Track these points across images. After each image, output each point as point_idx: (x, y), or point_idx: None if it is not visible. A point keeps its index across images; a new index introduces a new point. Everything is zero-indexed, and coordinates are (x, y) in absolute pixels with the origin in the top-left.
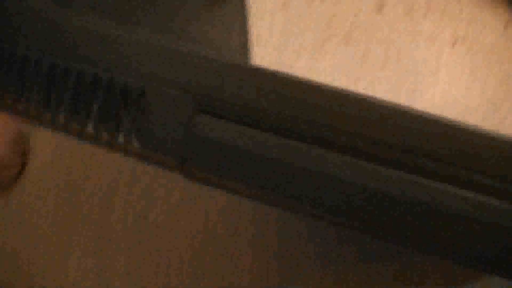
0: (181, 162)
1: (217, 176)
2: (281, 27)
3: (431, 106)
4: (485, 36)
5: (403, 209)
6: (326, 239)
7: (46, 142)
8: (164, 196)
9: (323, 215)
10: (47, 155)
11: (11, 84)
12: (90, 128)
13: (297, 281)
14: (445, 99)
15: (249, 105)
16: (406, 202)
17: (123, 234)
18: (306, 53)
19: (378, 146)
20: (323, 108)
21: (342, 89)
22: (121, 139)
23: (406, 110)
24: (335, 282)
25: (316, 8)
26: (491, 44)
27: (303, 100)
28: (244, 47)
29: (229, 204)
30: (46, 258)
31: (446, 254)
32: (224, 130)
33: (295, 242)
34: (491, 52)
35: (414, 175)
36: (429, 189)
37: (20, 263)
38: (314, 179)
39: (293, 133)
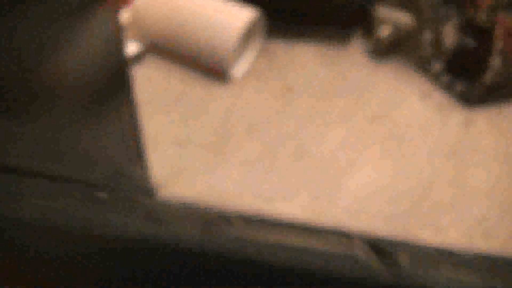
0: None
1: None
2: (179, 123)
3: (358, 191)
4: (405, 111)
5: None
6: None
7: None
8: None
9: None
10: None
11: None
12: None
13: None
14: (372, 182)
15: None
16: None
17: None
18: (208, 153)
19: None
20: None
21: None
22: None
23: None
24: None
25: (213, 97)
26: (413, 117)
27: None
28: (139, 153)
29: None
30: None
31: None
32: None
33: None
34: (414, 125)
35: None
36: None
37: None
38: None
39: None
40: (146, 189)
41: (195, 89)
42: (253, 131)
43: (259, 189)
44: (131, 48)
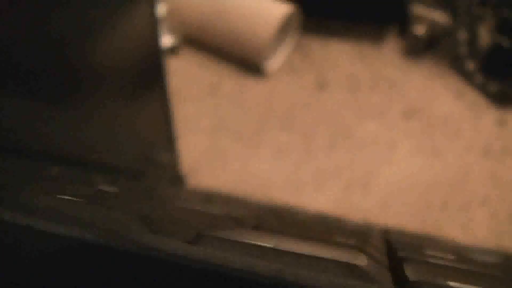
0: None
1: None
2: (212, 112)
3: (389, 185)
4: (439, 108)
5: None
6: None
7: None
8: None
9: None
10: None
11: None
12: None
13: None
14: (404, 176)
15: None
16: None
17: None
18: (239, 142)
19: None
20: None
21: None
22: None
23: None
24: None
25: (247, 90)
26: (447, 114)
27: None
28: (170, 140)
29: None
30: None
31: None
32: None
33: None
34: (447, 123)
35: None
36: None
37: None
38: None
39: None
40: (175, 176)
41: (229, 81)
42: (286, 123)
43: (290, 180)
44: (167, 39)
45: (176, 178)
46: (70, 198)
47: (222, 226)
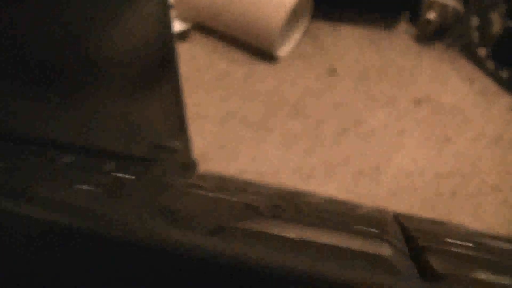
0: None
1: None
2: (222, 99)
3: (399, 172)
4: (450, 95)
5: None
6: None
7: None
8: None
9: None
10: None
11: None
12: None
13: None
14: (415, 163)
15: None
16: None
17: None
18: (250, 129)
19: None
20: None
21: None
22: None
23: None
24: None
25: (258, 77)
26: (458, 101)
27: None
28: (181, 127)
29: None
30: None
31: None
32: None
33: None
34: (458, 110)
35: None
36: None
37: None
38: None
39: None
40: (187, 163)
41: (239, 67)
42: (296, 111)
43: (300, 167)
44: (177, 25)
45: (188, 165)
46: (87, 188)
47: (241, 216)
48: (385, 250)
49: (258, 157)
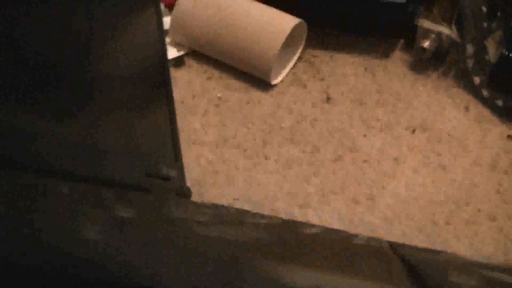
0: None
1: None
2: (217, 125)
3: (394, 200)
4: (445, 122)
5: None
6: None
7: None
8: None
9: None
10: None
11: None
12: None
13: None
14: (410, 191)
15: None
16: None
17: None
18: (245, 156)
19: None
20: None
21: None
22: None
23: None
24: None
25: (253, 103)
26: (453, 129)
27: None
28: (175, 154)
29: None
30: None
31: None
32: None
33: None
34: (454, 137)
35: None
36: None
37: None
38: None
39: None
40: (181, 190)
41: (235, 94)
42: (292, 137)
43: (295, 194)
44: (173, 52)
45: (182, 192)
46: (94, 237)
47: (249, 260)
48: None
49: (254, 183)
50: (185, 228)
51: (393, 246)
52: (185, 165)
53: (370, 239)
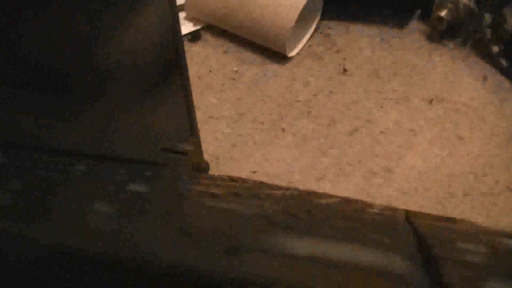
0: None
1: None
2: (234, 100)
3: (411, 172)
4: (462, 93)
5: None
6: None
7: None
8: None
9: None
10: None
11: None
12: None
13: None
14: (426, 163)
15: None
16: None
17: None
18: (262, 130)
19: None
20: None
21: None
22: None
23: None
24: None
25: (269, 77)
26: (470, 99)
27: None
28: (192, 129)
29: None
30: None
31: None
32: None
33: None
34: (471, 108)
35: None
36: None
37: None
38: None
39: None
40: (199, 165)
41: (251, 68)
42: (308, 110)
43: (312, 167)
44: (188, 27)
45: (200, 166)
46: (103, 209)
47: (255, 232)
48: (398, 265)
49: (270, 157)
50: (194, 201)
51: (409, 215)
52: (202, 139)
53: (385, 208)
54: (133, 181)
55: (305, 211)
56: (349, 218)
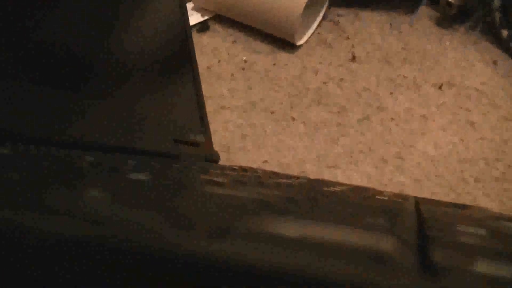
0: None
1: None
2: (244, 89)
3: (422, 158)
4: (473, 78)
5: None
6: None
7: None
8: None
9: None
10: None
11: None
12: None
13: None
14: (438, 149)
15: None
16: None
17: None
18: (273, 119)
19: None
20: None
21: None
22: None
23: None
24: None
25: (280, 65)
26: (482, 84)
27: None
28: (202, 120)
29: None
30: None
31: None
32: None
33: None
34: (482, 93)
35: None
36: None
37: None
38: None
39: None
40: (210, 156)
41: (261, 57)
42: (319, 98)
43: (324, 155)
44: (196, 16)
45: (210, 158)
46: (96, 194)
47: (246, 214)
48: (386, 244)
49: (282, 147)
50: (194, 187)
51: (418, 202)
52: (213, 130)
53: (396, 195)
54: (137, 170)
55: (309, 198)
56: (353, 205)
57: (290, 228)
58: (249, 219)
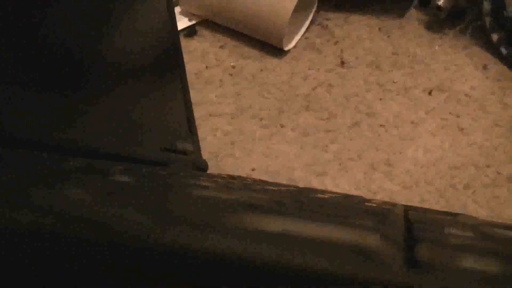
0: None
1: None
2: (233, 95)
3: (412, 164)
4: (463, 83)
5: None
6: None
7: None
8: None
9: None
10: None
11: None
12: None
13: None
14: (428, 155)
15: None
16: None
17: None
18: (262, 125)
19: None
20: None
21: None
22: None
23: None
24: None
25: (268, 71)
26: (472, 89)
27: None
28: (190, 126)
29: None
30: None
31: None
32: None
33: None
34: (472, 98)
35: None
36: None
37: None
38: None
39: None
40: (198, 164)
41: (249, 62)
42: (308, 104)
43: (313, 162)
44: (184, 21)
45: (198, 165)
46: (79, 192)
47: (229, 212)
48: (372, 240)
49: (271, 153)
50: (180, 190)
51: (407, 209)
52: (202, 138)
53: (384, 203)
54: (122, 173)
55: (297, 201)
56: (341, 207)
57: (273, 224)
58: (232, 216)
